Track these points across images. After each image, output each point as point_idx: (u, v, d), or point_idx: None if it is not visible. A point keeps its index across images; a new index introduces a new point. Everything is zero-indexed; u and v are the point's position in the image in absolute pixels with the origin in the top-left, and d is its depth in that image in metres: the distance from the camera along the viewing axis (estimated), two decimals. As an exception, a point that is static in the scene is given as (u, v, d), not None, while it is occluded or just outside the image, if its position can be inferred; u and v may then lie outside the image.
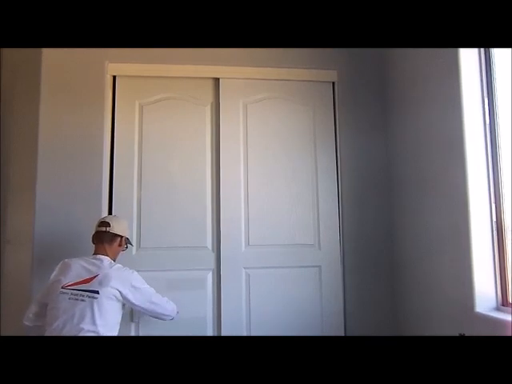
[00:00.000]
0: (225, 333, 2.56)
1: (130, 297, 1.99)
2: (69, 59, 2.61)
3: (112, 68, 2.68)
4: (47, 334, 1.89)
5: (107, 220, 2.19)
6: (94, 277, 1.95)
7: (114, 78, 2.72)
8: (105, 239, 2.14)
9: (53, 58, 2.60)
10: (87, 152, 2.57)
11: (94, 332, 1.84)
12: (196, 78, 2.76)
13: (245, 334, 2.59)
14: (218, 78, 2.77)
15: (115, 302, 1.94)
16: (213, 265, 2.65)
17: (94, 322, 1.84)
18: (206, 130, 2.75)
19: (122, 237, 2.20)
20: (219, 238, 2.65)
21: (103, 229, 2.14)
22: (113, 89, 2.72)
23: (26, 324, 2.05)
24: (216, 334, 2.59)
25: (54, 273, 2.05)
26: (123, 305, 2.03)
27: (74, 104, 2.59)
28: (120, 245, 2.21)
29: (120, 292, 1.95)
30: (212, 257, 2.65)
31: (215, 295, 2.62)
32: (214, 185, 2.71)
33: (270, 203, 2.72)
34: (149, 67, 2.69)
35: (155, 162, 2.68)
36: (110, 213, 2.59)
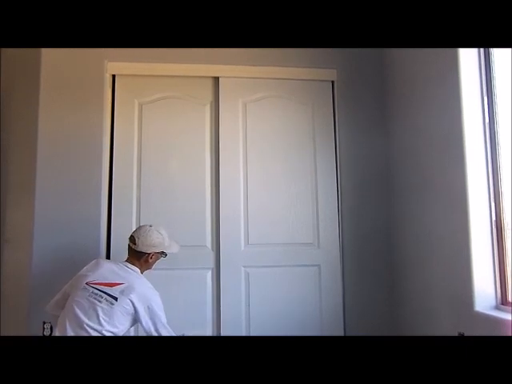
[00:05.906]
0: (224, 331, 2.57)
1: (141, 316, 1.94)
2: (68, 58, 2.61)
3: (111, 67, 2.68)
4: (57, 324, 1.91)
5: (134, 235, 2.11)
6: (119, 284, 1.94)
7: (114, 77, 2.72)
8: (131, 254, 2.12)
9: (52, 58, 2.60)
10: (87, 151, 2.57)
11: (98, 333, 1.84)
12: (195, 76, 2.75)
13: (244, 332, 2.59)
14: (218, 77, 2.77)
15: (127, 315, 1.93)
16: (212, 264, 2.65)
17: (101, 324, 1.85)
18: (205, 129, 2.75)
19: (149, 253, 2.11)
20: (219, 237, 2.65)
21: (130, 244, 2.11)
22: (112, 88, 2.72)
23: (46, 310, 2.09)
24: (215, 333, 2.59)
25: (85, 267, 2.06)
26: (134, 321, 1.98)
27: (74, 103, 2.59)
28: (147, 261, 2.11)
29: (135, 307, 1.92)
30: (211, 256, 2.65)
31: (215, 294, 2.62)
32: (214, 184, 2.71)
33: (270, 202, 2.72)
34: (148, 66, 2.68)
35: (155, 161, 2.67)
36: (109, 212, 2.60)
